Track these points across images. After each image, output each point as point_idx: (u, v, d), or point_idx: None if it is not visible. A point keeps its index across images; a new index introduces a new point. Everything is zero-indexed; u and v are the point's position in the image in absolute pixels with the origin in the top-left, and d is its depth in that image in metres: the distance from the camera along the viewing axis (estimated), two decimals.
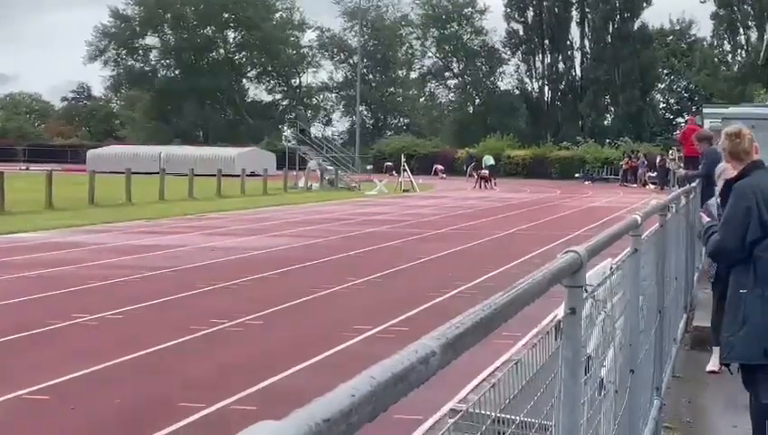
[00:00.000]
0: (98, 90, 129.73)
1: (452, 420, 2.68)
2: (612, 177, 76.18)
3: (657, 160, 73.23)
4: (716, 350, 9.13)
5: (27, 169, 74.09)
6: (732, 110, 25.44)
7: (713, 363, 10.13)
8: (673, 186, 51.51)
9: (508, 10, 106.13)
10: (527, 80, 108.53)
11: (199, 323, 12.89)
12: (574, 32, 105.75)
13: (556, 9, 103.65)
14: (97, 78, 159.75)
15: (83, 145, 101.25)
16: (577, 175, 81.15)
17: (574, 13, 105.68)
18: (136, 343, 11.68)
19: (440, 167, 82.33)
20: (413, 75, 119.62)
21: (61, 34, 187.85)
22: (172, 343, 11.80)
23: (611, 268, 5.09)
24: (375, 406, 1.52)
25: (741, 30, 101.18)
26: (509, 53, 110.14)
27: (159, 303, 14.75)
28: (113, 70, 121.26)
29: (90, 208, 35.48)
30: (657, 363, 8.59)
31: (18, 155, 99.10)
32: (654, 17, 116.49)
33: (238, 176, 52.00)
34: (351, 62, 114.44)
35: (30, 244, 23.44)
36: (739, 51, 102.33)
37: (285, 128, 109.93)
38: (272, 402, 9.15)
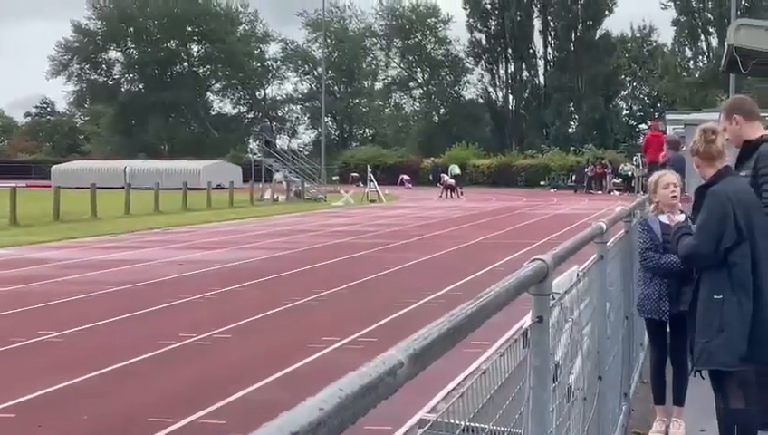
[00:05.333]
0: (61, 105, 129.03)
1: (422, 431, 2.69)
2: (578, 184, 76.61)
3: (588, 169, 74.09)
4: (660, 409, 8.79)
5: None
6: (694, 116, 25.62)
7: (656, 429, 8.57)
8: (638, 192, 51.81)
9: (471, 20, 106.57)
10: (491, 89, 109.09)
11: (167, 338, 12.83)
12: (537, 40, 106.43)
13: (518, 18, 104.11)
14: (59, 92, 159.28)
15: (47, 161, 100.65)
16: (542, 183, 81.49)
17: (537, 21, 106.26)
18: (103, 358, 11.61)
19: (406, 177, 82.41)
20: (378, 86, 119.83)
21: (19, 49, 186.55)
22: (140, 358, 11.73)
23: (578, 275, 5.11)
24: (344, 418, 1.52)
25: (702, 36, 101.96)
26: (473, 62, 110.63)
27: (126, 318, 14.67)
28: (76, 84, 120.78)
29: (55, 224, 35.25)
30: (625, 369, 8.62)
31: None
32: (616, 25, 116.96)
33: (204, 189, 51.86)
34: (316, 73, 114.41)
35: None
36: (700, 57, 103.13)
37: (251, 140, 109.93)
38: (241, 416, 9.12)
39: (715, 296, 6.58)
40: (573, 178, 78.80)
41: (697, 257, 6.77)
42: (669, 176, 8.58)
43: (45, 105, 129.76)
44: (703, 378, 6.92)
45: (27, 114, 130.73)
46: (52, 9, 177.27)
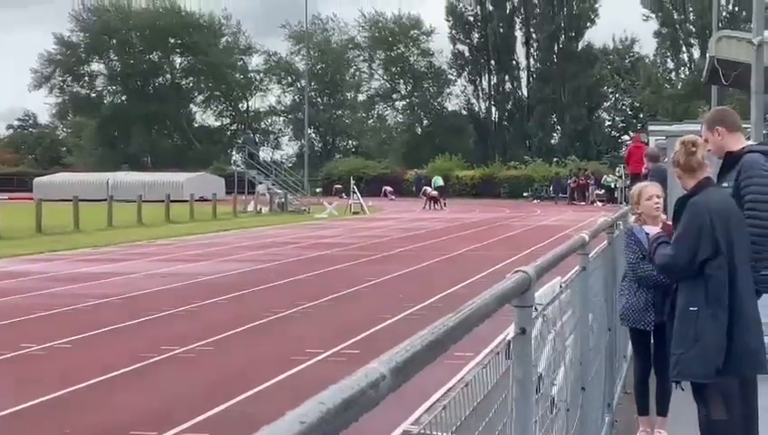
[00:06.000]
0: (43, 117, 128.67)
1: None
2: (561, 195, 76.81)
3: (571, 180, 74.43)
4: (643, 419, 8.87)
5: None
6: (676, 127, 25.73)
7: None
8: (620, 203, 51.95)
9: (453, 32, 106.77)
10: (474, 100, 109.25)
11: (150, 350, 12.80)
12: (520, 52, 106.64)
13: (501, 30, 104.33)
14: (41, 104, 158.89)
15: (30, 173, 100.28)
16: (525, 194, 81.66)
17: (519, 33, 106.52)
18: (85, 371, 11.57)
19: (389, 188, 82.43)
20: (361, 97, 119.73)
21: (0, 61, 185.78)
22: (122, 371, 11.70)
23: (560, 287, 5.12)
24: (325, 432, 1.52)
25: (684, 47, 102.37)
26: (455, 74, 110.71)
27: (109, 330, 14.62)
28: (59, 97, 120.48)
29: (37, 237, 35.12)
30: (608, 380, 8.63)
31: None
32: (598, 36, 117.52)
33: (187, 201, 51.71)
34: (299, 85, 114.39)
35: None
36: (682, 68, 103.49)
37: (234, 152, 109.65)
38: (223, 429, 9.10)
39: (691, 308, 6.59)
40: (551, 189, 79.04)
41: (674, 268, 6.79)
42: (652, 187, 8.60)
43: (27, 117, 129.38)
44: (683, 389, 6.93)
45: (9, 126, 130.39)
46: (34, 21, 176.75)
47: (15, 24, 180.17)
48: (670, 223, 7.59)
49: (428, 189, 68.16)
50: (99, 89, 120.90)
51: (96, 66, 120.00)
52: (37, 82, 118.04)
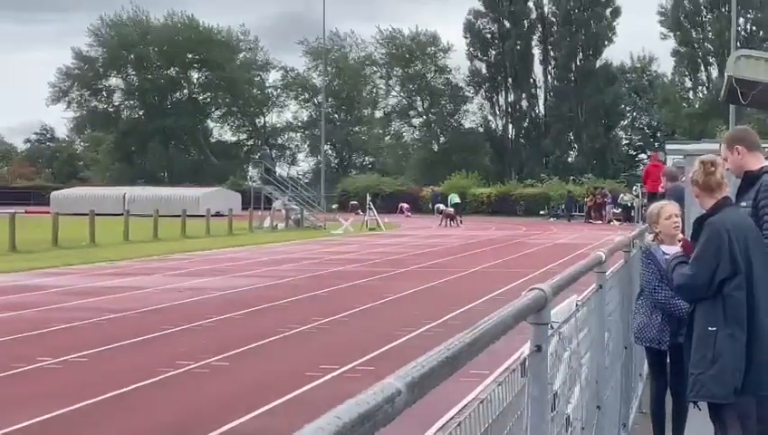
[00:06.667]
0: (61, 131, 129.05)
1: None
2: (577, 213, 76.62)
3: (587, 198, 74.18)
4: None
5: None
6: (694, 146, 25.67)
7: None
8: (637, 222, 51.81)
9: (471, 49, 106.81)
10: (491, 118, 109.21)
11: (165, 365, 12.80)
12: (537, 69, 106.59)
13: (518, 47, 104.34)
14: (59, 119, 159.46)
15: (47, 187, 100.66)
16: (542, 212, 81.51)
17: (537, 51, 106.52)
18: (100, 385, 11.58)
19: (406, 205, 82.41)
20: (378, 114, 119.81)
21: (19, 75, 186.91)
22: (137, 385, 11.70)
23: (576, 305, 5.11)
24: None
25: (702, 66, 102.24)
26: (472, 91, 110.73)
27: (124, 345, 14.64)
28: (77, 111, 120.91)
29: (53, 251, 35.21)
30: (623, 399, 8.60)
31: None
32: (616, 55, 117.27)
33: (203, 216, 51.80)
34: (316, 101, 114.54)
35: None
36: (700, 87, 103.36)
37: (250, 168, 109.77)
38: None
39: (710, 328, 6.56)
40: (563, 207, 78.79)
41: (692, 288, 6.76)
42: (671, 207, 8.58)
43: (45, 131, 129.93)
44: (699, 409, 6.90)
45: (27, 140, 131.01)
46: (53, 36, 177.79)
47: (34, 39, 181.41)
48: (689, 239, 7.57)
49: (442, 207, 68.12)
50: (116, 104, 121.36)
51: (114, 81, 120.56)
52: (55, 96, 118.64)
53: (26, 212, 65.10)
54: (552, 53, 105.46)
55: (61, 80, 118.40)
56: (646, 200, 30.10)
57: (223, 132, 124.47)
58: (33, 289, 22.72)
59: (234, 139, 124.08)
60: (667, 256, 7.76)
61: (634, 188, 68.18)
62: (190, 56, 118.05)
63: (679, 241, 8.23)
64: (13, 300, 20.49)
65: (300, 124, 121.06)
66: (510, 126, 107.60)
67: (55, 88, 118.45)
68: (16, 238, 34.93)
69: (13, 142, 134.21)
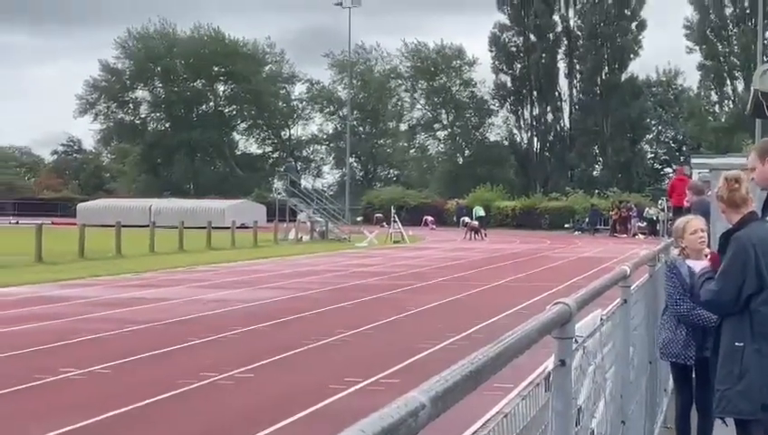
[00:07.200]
0: (88, 143, 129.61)
1: None
2: (602, 227, 76.40)
3: (612, 212, 73.86)
4: None
5: (17, 222, 73.92)
6: (720, 160, 25.52)
7: None
8: (662, 235, 51.63)
9: (496, 62, 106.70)
10: (516, 131, 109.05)
11: (189, 377, 12.83)
12: (562, 83, 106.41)
13: (544, 60, 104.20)
14: (85, 130, 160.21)
15: (73, 198, 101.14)
16: (567, 225, 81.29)
17: (562, 64, 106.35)
18: (124, 397, 11.61)
19: (430, 218, 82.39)
20: (402, 127, 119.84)
21: (46, 87, 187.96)
22: (161, 396, 11.73)
23: (601, 319, 5.09)
24: None
25: (728, 80, 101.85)
26: (497, 104, 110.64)
27: (149, 356, 14.67)
28: (103, 123, 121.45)
29: (79, 262, 35.36)
30: (648, 414, 8.56)
31: (7, 209, 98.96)
32: (641, 68, 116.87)
33: (228, 228, 51.92)
34: (341, 114, 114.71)
35: (19, 298, 23.34)
36: (726, 101, 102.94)
37: (275, 180, 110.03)
38: None
39: (737, 344, 6.52)
40: (587, 220, 78.47)
41: (719, 304, 6.73)
42: (697, 222, 8.55)
43: (72, 143, 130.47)
44: (726, 425, 6.86)
45: (54, 152, 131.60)
46: (80, 48, 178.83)
47: (62, 51, 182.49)
48: (716, 252, 7.53)
49: (467, 220, 68.08)
50: (143, 116, 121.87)
51: (140, 93, 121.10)
52: (82, 108, 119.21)
53: (53, 223, 65.39)
54: (577, 67, 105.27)
55: (88, 92, 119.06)
56: (671, 214, 30.00)
57: (248, 145, 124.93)
58: (59, 300, 22.82)
59: (259, 151, 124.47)
60: (694, 271, 7.74)
61: (659, 201, 68.00)
62: (216, 69, 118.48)
63: (706, 256, 8.19)
64: (38, 311, 20.59)
65: (325, 137, 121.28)
66: (535, 139, 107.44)
67: (82, 100, 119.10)
68: (43, 249, 35.10)
69: (40, 154, 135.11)
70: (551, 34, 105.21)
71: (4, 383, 12.35)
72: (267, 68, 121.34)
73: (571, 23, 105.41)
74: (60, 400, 11.70)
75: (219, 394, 11.99)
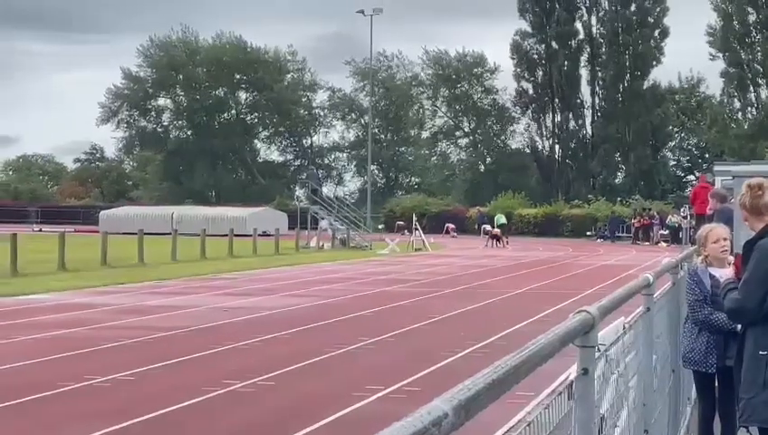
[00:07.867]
0: (110, 151, 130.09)
1: None
2: (625, 235, 76.13)
3: (635, 220, 73.50)
4: None
5: (40, 230, 74.23)
6: (743, 167, 25.45)
7: None
8: (685, 243, 51.41)
9: (518, 69, 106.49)
10: (538, 138, 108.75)
11: (211, 384, 12.85)
12: (585, 90, 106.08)
13: (566, 68, 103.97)
14: (108, 138, 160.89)
15: (96, 206, 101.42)
16: (589, 233, 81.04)
17: (584, 71, 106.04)
18: (147, 404, 11.64)
19: (452, 226, 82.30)
20: (424, 134, 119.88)
21: (69, 95, 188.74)
22: (184, 404, 11.75)
23: (624, 327, 5.08)
24: None
25: (751, 87, 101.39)
26: (519, 111, 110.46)
27: (171, 364, 14.71)
28: (126, 131, 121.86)
29: (102, 269, 35.48)
30: (671, 423, 8.53)
31: (31, 216, 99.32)
32: (664, 75, 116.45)
33: (250, 236, 51.98)
34: (363, 121, 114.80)
35: (42, 305, 23.43)
36: (749, 108, 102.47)
37: (297, 188, 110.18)
38: None
39: (761, 352, 6.49)
40: (607, 227, 78.19)
41: (742, 312, 6.70)
42: (720, 230, 8.52)
43: (94, 151, 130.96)
44: (750, 434, 6.83)
45: (77, 160, 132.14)
46: (102, 56, 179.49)
47: (84, 59, 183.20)
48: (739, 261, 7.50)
49: (488, 227, 67.98)
50: (165, 124, 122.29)
51: (162, 101, 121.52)
52: (105, 116, 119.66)
53: (75, 231, 65.62)
54: (599, 74, 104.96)
55: (110, 100, 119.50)
56: (694, 222, 29.91)
57: (270, 152, 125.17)
58: (82, 308, 22.90)
59: (281, 159, 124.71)
60: (718, 280, 7.71)
61: (682, 209, 67.69)
62: (238, 77, 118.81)
63: (730, 264, 8.16)
64: (61, 319, 20.67)
65: (346, 144, 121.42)
66: (557, 147, 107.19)
67: (105, 108, 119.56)
68: (66, 257, 35.24)
69: (63, 162, 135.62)
70: (573, 42, 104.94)
71: (28, 391, 12.40)
72: (289, 76, 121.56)
73: (594, 30, 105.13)
74: (84, 407, 11.73)
75: (241, 402, 12.00)
